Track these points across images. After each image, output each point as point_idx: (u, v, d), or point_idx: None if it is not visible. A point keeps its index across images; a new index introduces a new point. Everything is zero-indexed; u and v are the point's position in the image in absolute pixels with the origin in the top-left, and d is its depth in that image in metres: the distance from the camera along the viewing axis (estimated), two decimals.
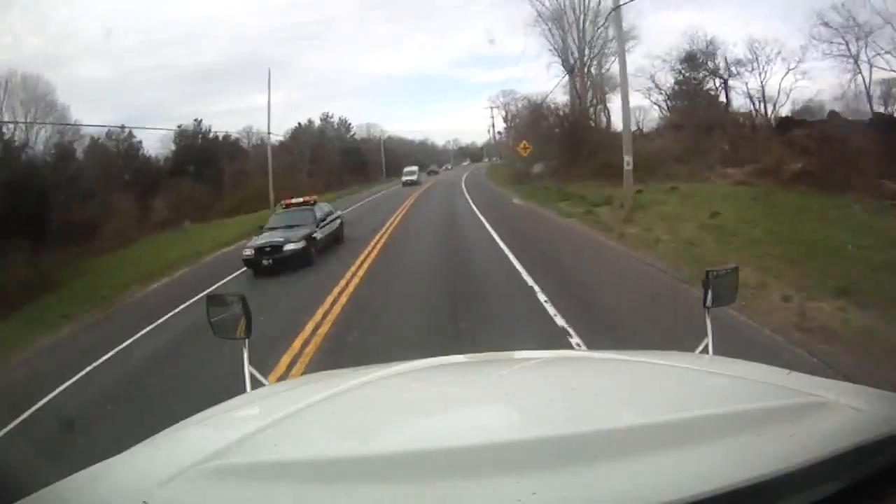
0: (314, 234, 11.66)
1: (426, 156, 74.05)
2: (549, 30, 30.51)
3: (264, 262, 10.76)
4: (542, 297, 6.80)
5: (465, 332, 5.87)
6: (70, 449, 4.20)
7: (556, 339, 5.31)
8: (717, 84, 26.41)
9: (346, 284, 9.05)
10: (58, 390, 6.40)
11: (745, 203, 11.86)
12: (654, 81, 28.01)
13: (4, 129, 24.60)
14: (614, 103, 30.27)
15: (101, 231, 23.82)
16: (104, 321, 10.02)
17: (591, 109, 29.27)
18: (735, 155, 17.67)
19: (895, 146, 13.10)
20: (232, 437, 1.02)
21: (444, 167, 69.89)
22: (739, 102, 25.93)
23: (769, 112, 24.76)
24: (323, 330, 6.77)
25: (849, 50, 21.60)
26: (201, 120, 39.21)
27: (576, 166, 23.26)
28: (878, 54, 21.11)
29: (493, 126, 68.55)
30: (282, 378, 4.97)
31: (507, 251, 10.01)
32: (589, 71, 29.67)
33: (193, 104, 77.18)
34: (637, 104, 29.89)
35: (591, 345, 4.95)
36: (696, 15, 57.32)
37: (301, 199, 13.50)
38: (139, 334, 8.25)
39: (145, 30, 69.46)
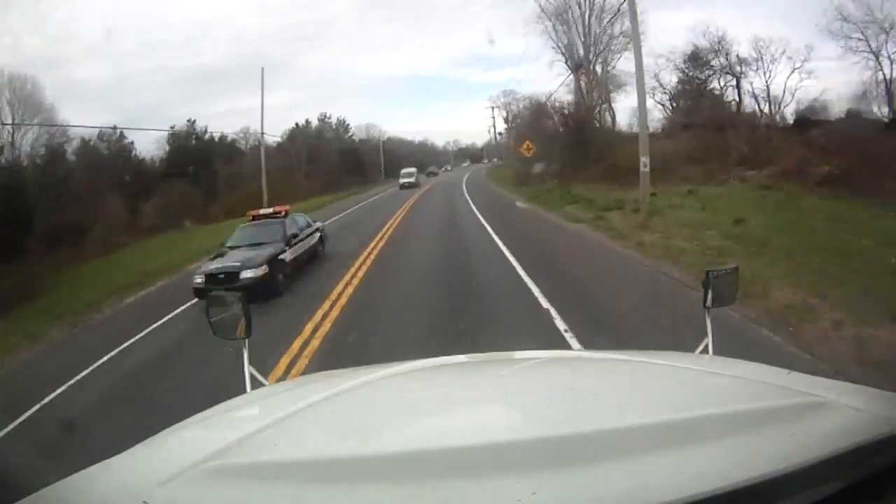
0: (282, 255, 9.45)
1: (426, 157, 74.03)
2: (553, 26, 29.89)
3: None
4: (560, 324, 5.90)
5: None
6: None
7: None
8: (723, 83, 25.90)
9: (323, 319, 7.25)
10: None
11: (770, 209, 11.06)
12: (658, 80, 27.66)
13: None
14: (619, 103, 29.76)
15: (90, 235, 23.17)
16: (64, 344, 8.87)
17: (596, 109, 28.51)
18: (754, 156, 16.88)
19: None
20: (232, 437, 1.03)
21: (443, 168, 69.39)
22: (744, 102, 25.64)
23: (774, 112, 24.43)
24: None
25: (869, 46, 20.84)
26: (195, 120, 38.84)
27: (581, 168, 22.62)
28: None
29: (494, 126, 68.22)
30: None
31: (514, 263, 9.08)
32: (594, 69, 28.97)
33: (193, 105, 77.13)
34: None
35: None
36: (696, 15, 56.92)
37: (270, 210, 11.51)
38: (94, 365, 7.02)
39: (145, 31, 69.78)
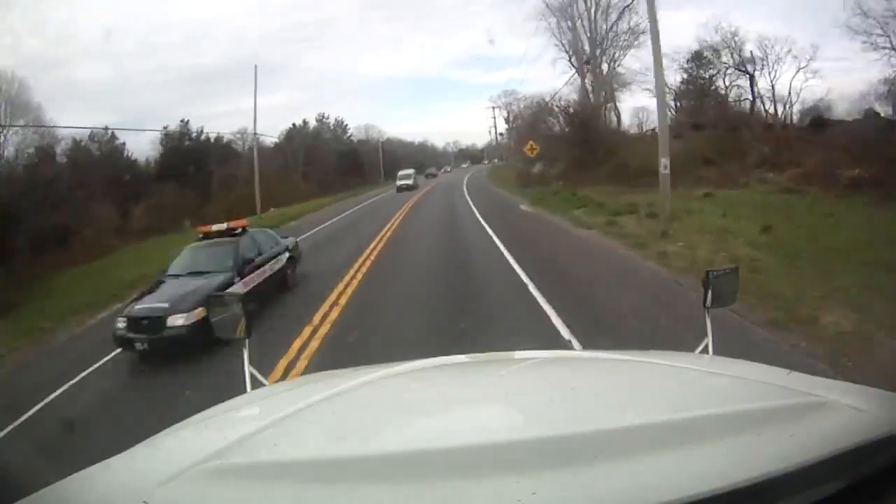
0: (229, 290, 7.10)
1: (426, 157, 73.96)
2: (558, 22, 29.27)
3: (138, 345, 6.58)
4: None
5: None
6: None
7: None
8: (728, 82, 25.36)
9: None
10: None
11: (797, 215, 10.35)
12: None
13: None
14: (623, 102, 29.20)
15: (78, 238, 22.56)
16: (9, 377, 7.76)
17: (602, 108, 27.83)
18: (774, 158, 16.16)
19: None
20: (232, 437, 1.04)
21: (442, 169, 68.89)
22: (757, 100, 24.88)
23: (779, 112, 24.25)
24: None
25: (890, 42, 20.11)
26: (188, 121, 38.11)
27: (588, 169, 21.95)
28: None
29: (496, 127, 67.73)
30: None
31: (525, 279, 8.07)
32: (600, 66, 28.30)
33: (193, 106, 76.78)
34: (642, 104, 29.32)
35: None
36: (696, 14, 56.31)
37: (224, 226, 8.82)
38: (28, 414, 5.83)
39: (144, 31, 69.61)
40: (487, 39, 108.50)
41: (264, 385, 1.76)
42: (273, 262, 8.85)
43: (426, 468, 0.87)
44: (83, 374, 6.83)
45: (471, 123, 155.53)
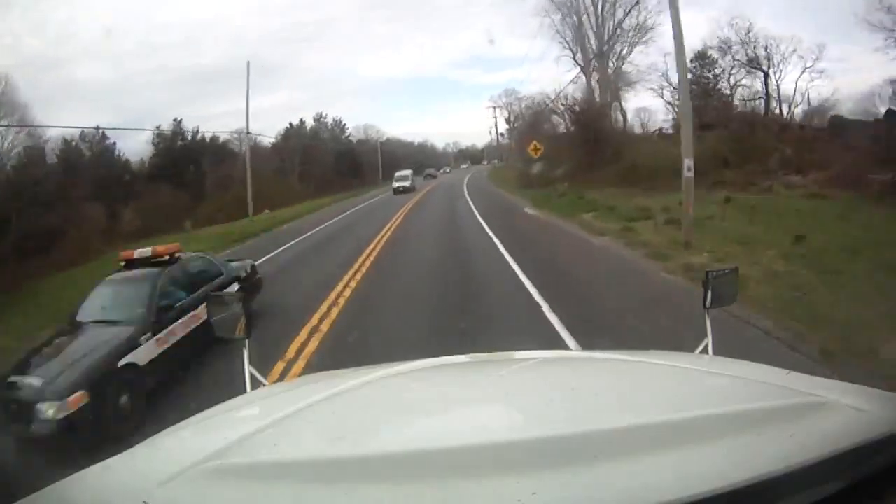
0: (129, 357, 5.01)
1: (426, 158, 73.80)
2: (562, 19, 28.56)
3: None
4: None
5: None
6: None
7: None
8: (733, 82, 24.85)
9: None
10: None
11: (830, 223, 9.60)
12: (666, 79, 27.04)
13: None
14: (630, 102, 28.67)
15: (65, 242, 21.89)
16: None
17: (608, 108, 27.16)
18: (798, 160, 15.43)
19: None
20: (232, 437, 1.05)
21: (441, 170, 68.35)
22: (771, 99, 24.46)
23: (785, 112, 23.78)
24: None
25: None
26: (181, 120, 37.45)
27: (595, 170, 21.26)
28: None
29: (496, 127, 67.29)
30: None
31: (536, 296, 7.21)
32: (608, 63, 27.62)
33: (193, 106, 76.10)
34: (643, 105, 29.18)
35: None
36: (695, 15, 55.74)
37: (148, 251, 6.50)
38: None
39: (144, 31, 69.44)
40: (487, 40, 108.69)
41: (264, 385, 1.78)
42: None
43: (426, 468, 0.88)
44: None
45: (471, 124, 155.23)
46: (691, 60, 25.60)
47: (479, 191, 30.14)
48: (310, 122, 54.18)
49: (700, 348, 1.67)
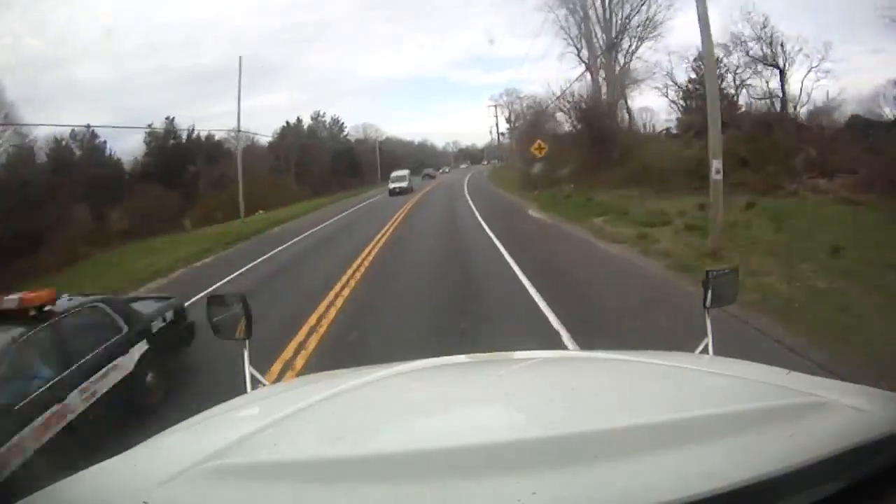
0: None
1: (425, 157, 73.46)
2: (567, 15, 27.76)
3: None
4: None
5: None
6: None
7: None
8: (738, 81, 24.06)
9: None
10: None
11: (868, 232, 8.74)
12: (671, 79, 26.45)
13: None
14: (636, 101, 27.99)
15: (50, 245, 21.08)
16: None
17: (615, 106, 26.34)
18: (824, 162, 14.60)
19: None
20: (232, 437, 1.05)
21: (441, 170, 67.75)
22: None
23: (797, 111, 22.78)
24: None
25: None
26: (174, 118, 36.68)
27: (602, 170, 20.50)
28: None
29: (497, 126, 66.63)
30: None
31: (549, 315, 6.26)
32: (615, 59, 26.80)
33: (193, 106, 75.86)
34: (644, 105, 28.75)
35: None
36: (694, 14, 55.12)
37: (16, 298, 3.90)
38: None
39: (144, 31, 69.13)
40: (488, 39, 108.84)
41: (264, 385, 1.78)
42: (100, 375, 4.19)
43: (426, 468, 0.88)
44: None
45: (471, 123, 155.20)
46: (694, 60, 24.89)
47: (481, 192, 29.58)
48: (307, 121, 53.54)
49: (700, 348, 1.68)
